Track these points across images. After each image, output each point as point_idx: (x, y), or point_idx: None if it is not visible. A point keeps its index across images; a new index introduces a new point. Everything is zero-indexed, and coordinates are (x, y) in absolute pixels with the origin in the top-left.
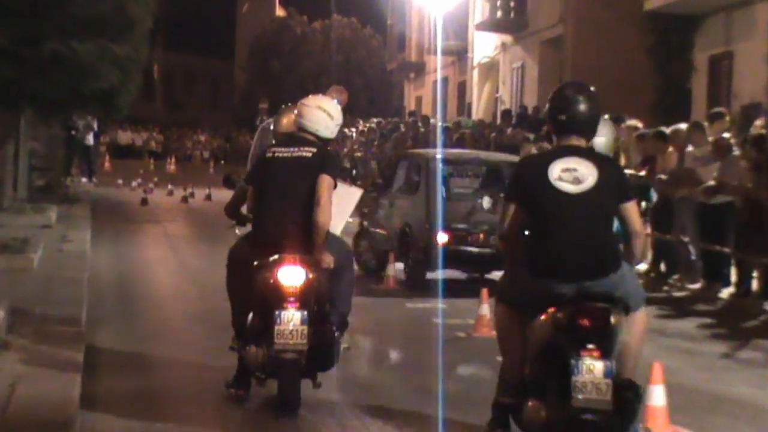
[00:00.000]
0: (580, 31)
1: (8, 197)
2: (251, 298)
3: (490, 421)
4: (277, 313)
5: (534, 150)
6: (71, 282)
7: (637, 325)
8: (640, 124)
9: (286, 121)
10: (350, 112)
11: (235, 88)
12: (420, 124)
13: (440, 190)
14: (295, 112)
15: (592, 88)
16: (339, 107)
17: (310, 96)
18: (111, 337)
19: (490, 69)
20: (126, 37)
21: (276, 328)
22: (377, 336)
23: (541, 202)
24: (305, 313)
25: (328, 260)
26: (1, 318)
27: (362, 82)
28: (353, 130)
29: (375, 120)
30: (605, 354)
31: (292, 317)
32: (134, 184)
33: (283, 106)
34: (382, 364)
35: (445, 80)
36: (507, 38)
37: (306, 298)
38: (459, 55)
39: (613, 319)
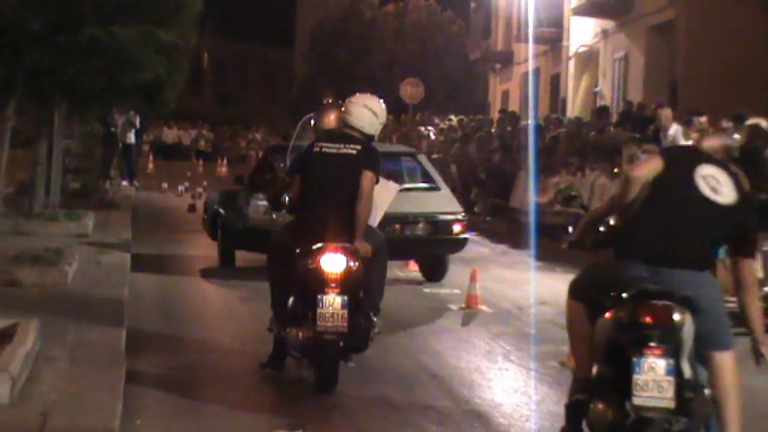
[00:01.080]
0: (694, 15)
1: (39, 202)
2: (292, 283)
3: (565, 425)
4: (319, 297)
5: (639, 153)
6: (110, 299)
7: (731, 366)
8: (764, 123)
9: (328, 119)
10: (427, 108)
11: (295, 80)
12: (507, 123)
13: None
14: (342, 109)
15: None
16: (383, 106)
17: (357, 94)
18: (154, 362)
19: (589, 59)
20: (173, 22)
21: (318, 311)
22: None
23: (675, 195)
24: (345, 298)
25: (366, 249)
26: (31, 339)
27: (440, 74)
28: (430, 129)
29: (455, 117)
30: (668, 353)
31: (333, 301)
32: (180, 188)
33: (324, 102)
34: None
35: (536, 72)
36: (608, 24)
37: (346, 284)
38: (552, 43)
39: (676, 317)
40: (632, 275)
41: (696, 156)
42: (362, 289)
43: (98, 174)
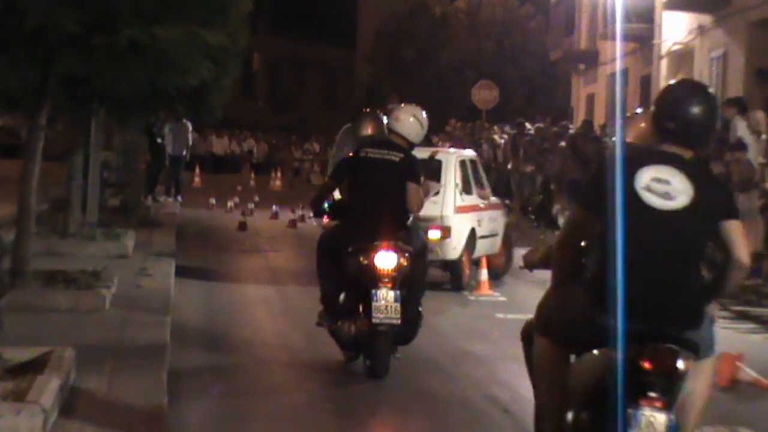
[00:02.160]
0: None
1: (75, 220)
2: (344, 280)
3: None
4: (373, 292)
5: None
6: (151, 326)
7: (705, 372)
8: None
9: (366, 127)
10: (502, 113)
11: (357, 84)
12: (581, 133)
13: None
14: (390, 116)
15: (710, 89)
16: (426, 118)
17: (404, 104)
18: (199, 397)
19: (683, 58)
20: (220, 22)
21: (373, 304)
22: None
23: (616, 213)
24: (398, 292)
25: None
26: (65, 370)
27: (518, 75)
28: (504, 137)
29: (532, 125)
30: (668, 405)
31: (386, 295)
32: (230, 204)
33: (365, 110)
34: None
35: (624, 73)
36: (705, 19)
37: (398, 279)
38: (643, 41)
39: (681, 365)
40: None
41: (639, 158)
42: (409, 284)
43: (141, 189)
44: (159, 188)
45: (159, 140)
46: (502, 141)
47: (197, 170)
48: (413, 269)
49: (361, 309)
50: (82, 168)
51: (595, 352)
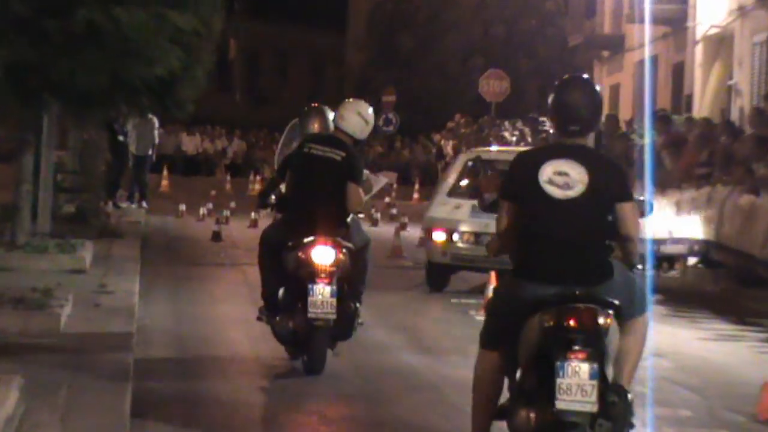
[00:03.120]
0: None
1: (25, 230)
2: (283, 275)
3: None
4: (310, 286)
5: None
6: (112, 351)
7: (636, 332)
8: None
9: (313, 124)
10: (514, 107)
11: (348, 75)
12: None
13: None
14: (334, 113)
15: (592, 83)
16: (372, 113)
17: (351, 100)
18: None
19: (721, 44)
20: (191, 3)
21: (309, 299)
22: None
23: (527, 203)
24: (334, 287)
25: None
26: (13, 401)
27: (532, 64)
28: (515, 134)
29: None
30: (592, 356)
31: (323, 290)
32: (203, 210)
33: (308, 108)
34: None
35: (653, 61)
36: None
37: (335, 275)
38: (675, 24)
39: (600, 321)
40: (545, 294)
41: (541, 154)
42: (348, 282)
43: (100, 194)
44: (121, 193)
45: (121, 138)
46: (514, 138)
47: (165, 172)
48: (354, 266)
49: (300, 305)
50: (32, 170)
51: (531, 319)
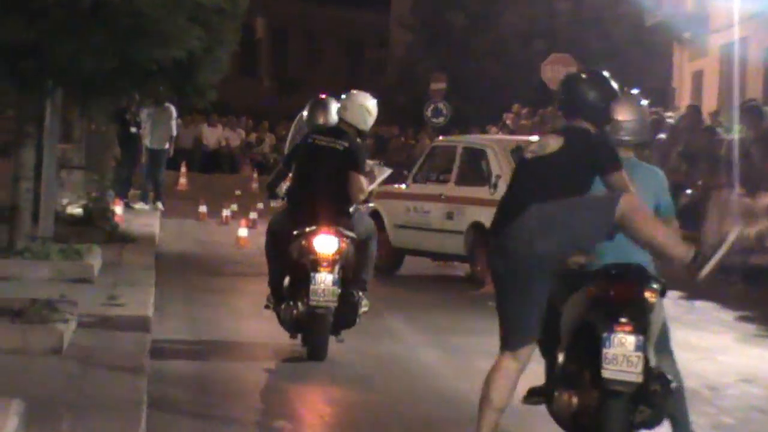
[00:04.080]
0: None
1: (24, 233)
2: (288, 263)
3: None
4: (312, 275)
5: None
6: (122, 373)
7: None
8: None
9: (323, 117)
10: None
11: (391, 58)
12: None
13: None
14: (336, 105)
15: (605, 73)
16: (376, 104)
17: (354, 92)
18: None
19: None
20: None
21: (311, 287)
22: None
23: (515, 176)
24: (336, 276)
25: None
26: (11, 429)
27: (603, 47)
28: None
29: None
30: (637, 329)
31: (324, 279)
32: (226, 212)
33: (314, 100)
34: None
35: (743, 44)
36: None
37: (337, 263)
38: None
39: (647, 295)
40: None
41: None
42: (352, 270)
43: (109, 193)
44: (133, 192)
45: (133, 130)
46: None
47: (183, 169)
48: (357, 255)
49: (303, 292)
50: (33, 166)
51: (576, 294)
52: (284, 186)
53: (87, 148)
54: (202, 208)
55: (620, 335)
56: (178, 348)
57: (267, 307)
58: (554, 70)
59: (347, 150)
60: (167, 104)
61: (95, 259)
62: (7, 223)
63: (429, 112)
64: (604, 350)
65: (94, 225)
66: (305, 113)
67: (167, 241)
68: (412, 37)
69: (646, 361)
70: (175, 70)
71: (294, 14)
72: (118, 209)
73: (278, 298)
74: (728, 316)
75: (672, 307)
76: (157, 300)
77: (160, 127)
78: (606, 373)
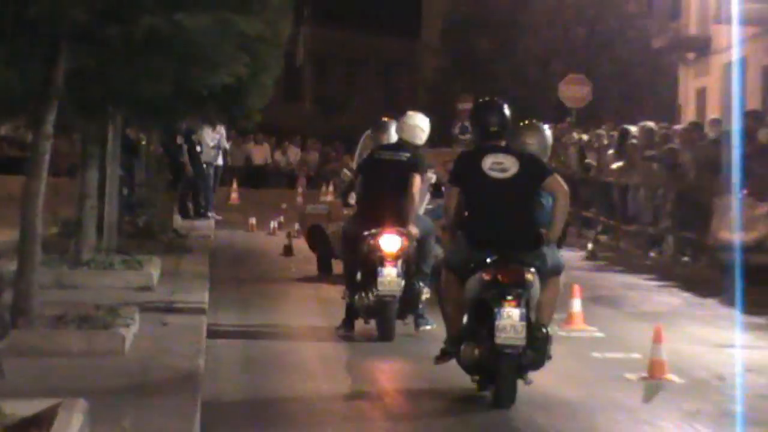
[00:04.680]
0: None
1: (89, 246)
2: (359, 260)
3: (435, 358)
4: (379, 269)
5: None
6: (180, 374)
7: (553, 287)
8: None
9: (385, 137)
10: (596, 113)
11: (421, 81)
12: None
13: None
14: (394, 126)
15: (504, 102)
16: (428, 122)
17: (409, 113)
18: None
19: None
20: (258, 7)
21: (378, 279)
22: None
23: (473, 186)
24: (400, 269)
25: (415, 232)
26: (76, 426)
27: (614, 68)
28: (600, 135)
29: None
30: (520, 304)
31: (390, 272)
32: (273, 224)
33: (380, 121)
34: None
35: (742, 63)
36: None
37: (400, 258)
38: (765, 24)
39: (527, 277)
40: (488, 258)
41: (479, 152)
42: (413, 263)
43: (168, 207)
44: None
45: (199, 149)
46: (595, 144)
47: (234, 185)
48: (418, 250)
49: (373, 284)
50: (97, 184)
51: (475, 275)
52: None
53: (146, 167)
54: (252, 220)
55: (507, 309)
56: (231, 349)
57: (343, 298)
58: (570, 89)
59: (409, 159)
60: (218, 125)
61: (155, 268)
62: (74, 237)
63: (457, 130)
64: (496, 322)
65: (154, 237)
66: (370, 133)
67: (221, 250)
68: (440, 62)
69: (529, 322)
70: (225, 94)
71: (332, 43)
72: (178, 223)
73: (352, 290)
74: (735, 312)
75: (683, 304)
76: (211, 305)
77: (218, 145)
78: (498, 340)
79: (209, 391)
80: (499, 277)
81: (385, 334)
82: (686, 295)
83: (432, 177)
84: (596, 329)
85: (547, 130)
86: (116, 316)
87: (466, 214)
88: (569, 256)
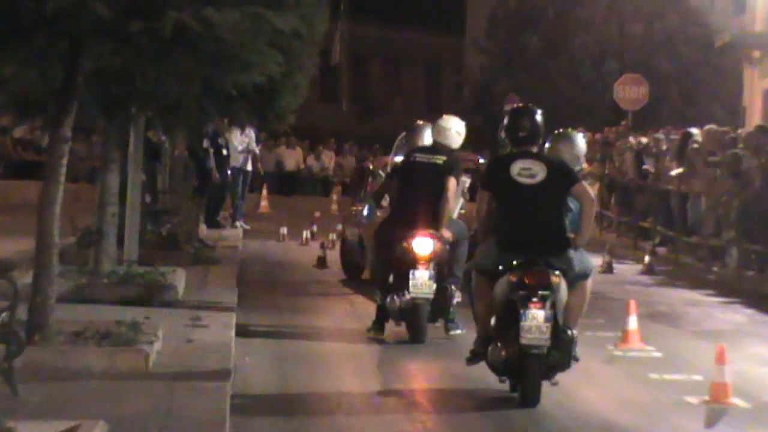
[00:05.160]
0: None
1: (110, 257)
2: (392, 262)
3: (466, 359)
4: (411, 272)
5: None
6: (206, 394)
7: (581, 291)
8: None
9: (417, 138)
10: (655, 114)
11: (467, 80)
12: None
13: None
14: (429, 129)
15: (537, 109)
16: (464, 126)
17: (445, 116)
18: None
19: None
20: (291, 2)
21: (411, 281)
22: None
23: (503, 191)
24: (432, 272)
25: (449, 235)
26: None
27: (673, 67)
28: (660, 138)
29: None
30: (546, 305)
31: (422, 274)
32: (306, 233)
33: (414, 125)
34: None
35: None
36: None
37: (432, 261)
38: None
39: (552, 280)
40: (517, 261)
41: (509, 158)
42: (445, 266)
43: (193, 216)
44: (225, 215)
45: (225, 152)
46: (653, 149)
47: (264, 192)
48: (450, 254)
49: (405, 286)
50: (118, 190)
51: (503, 278)
52: (387, 198)
53: (170, 173)
54: (283, 230)
55: (533, 311)
56: (261, 368)
57: (376, 301)
58: (625, 90)
59: (446, 162)
60: (248, 128)
61: (179, 281)
62: (94, 247)
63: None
64: (521, 323)
65: (179, 248)
66: (405, 136)
67: (250, 262)
68: (487, 60)
69: (556, 324)
70: (256, 94)
71: (371, 40)
72: (203, 232)
73: (384, 292)
74: None
75: (748, 322)
76: (239, 320)
77: (248, 147)
78: (523, 341)
79: (237, 413)
80: (525, 279)
81: (416, 336)
82: (751, 311)
83: (467, 181)
84: (654, 349)
85: (581, 139)
86: (139, 332)
87: (498, 217)
88: (624, 269)
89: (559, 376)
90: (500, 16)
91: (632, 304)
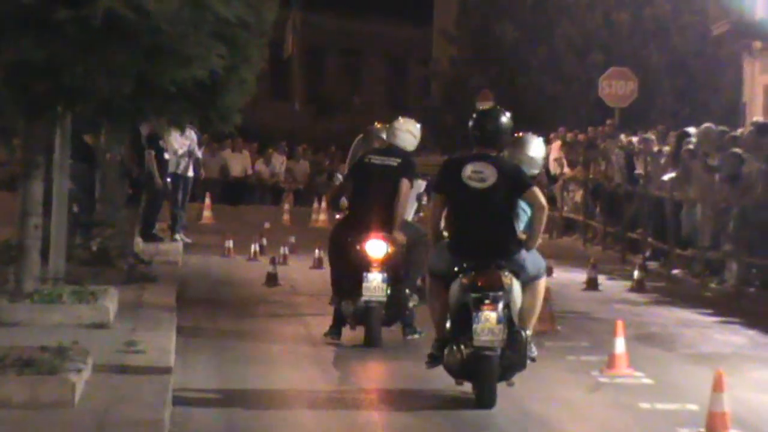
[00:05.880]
0: None
1: (33, 275)
2: (346, 265)
3: (426, 363)
4: (364, 274)
5: None
6: (140, 427)
7: (535, 291)
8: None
9: (378, 143)
10: (645, 112)
11: (435, 75)
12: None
13: None
14: (388, 130)
15: (505, 112)
16: (419, 128)
17: (400, 119)
18: None
19: None
20: None
21: (364, 285)
22: None
23: (453, 194)
24: (385, 275)
25: (402, 238)
26: None
27: (665, 60)
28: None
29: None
30: (498, 307)
31: (375, 277)
32: (254, 247)
33: (368, 129)
34: None
35: None
36: None
37: (386, 264)
38: None
39: (504, 281)
40: (469, 265)
41: (462, 160)
42: (400, 270)
43: (129, 228)
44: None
45: (167, 156)
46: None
47: (207, 200)
48: (406, 257)
49: (358, 289)
50: (42, 199)
51: (456, 281)
52: (344, 199)
53: (102, 178)
54: (229, 243)
55: (486, 312)
56: (203, 399)
57: (331, 304)
58: (611, 86)
59: (400, 164)
60: (189, 129)
61: (111, 301)
62: (15, 264)
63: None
64: (474, 325)
65: (111, 264)
66: (361, 138)
67: (191, 279)
68: (457, 52)
69: (511, 324)
70: (197, 91)
71: (328, 31)
72: (139, 246)
73: (339, 295)
74: None
75: (749, 344)
76: (179, 346)
77: (189, 151)
78: (477, 342)
79: None
80: (477, 281)
81: (370, 340)
82: (752, 332)
83: (422, 184)
84: (644, 375)
85: (538, 143)
86: (65, 359)
87: (450, 220)
88: (611, 285)
89: (537, 405)
90: (472, 2)
91: (619, 324)
